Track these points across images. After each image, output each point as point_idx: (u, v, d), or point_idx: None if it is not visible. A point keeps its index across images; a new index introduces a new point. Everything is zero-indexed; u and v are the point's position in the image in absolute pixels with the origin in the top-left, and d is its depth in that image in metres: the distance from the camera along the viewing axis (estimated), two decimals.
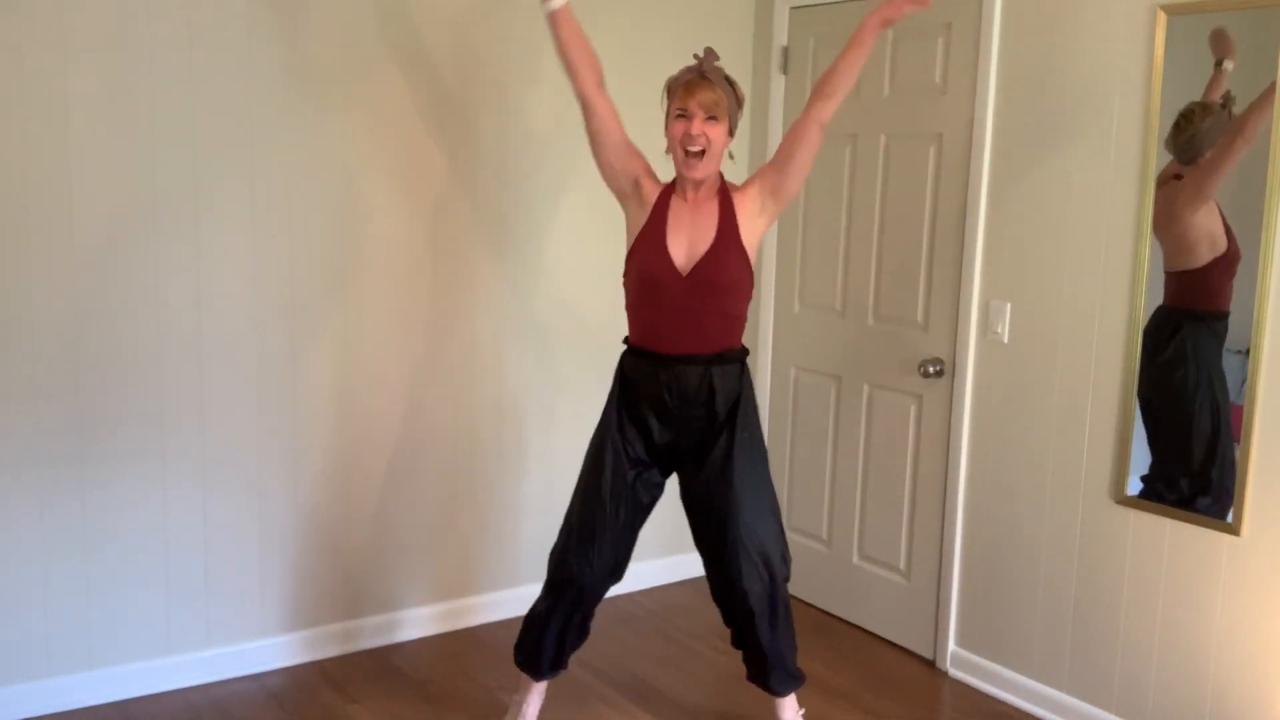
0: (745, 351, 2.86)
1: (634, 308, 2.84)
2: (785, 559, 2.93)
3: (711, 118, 2.68)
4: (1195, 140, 2.83)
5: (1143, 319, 2.99)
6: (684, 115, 2.69)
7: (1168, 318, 2.97)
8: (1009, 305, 3.33)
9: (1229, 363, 2.85)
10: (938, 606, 3.61)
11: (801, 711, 3.12)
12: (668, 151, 2.77)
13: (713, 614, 4.00)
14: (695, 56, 2.74)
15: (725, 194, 2.80)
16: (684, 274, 2.72)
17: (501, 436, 3.82)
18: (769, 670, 3.00)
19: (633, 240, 2.81)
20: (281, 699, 3.28)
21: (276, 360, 3.35)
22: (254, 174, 3.23)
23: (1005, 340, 3.34)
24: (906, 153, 3.61)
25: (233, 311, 3.26)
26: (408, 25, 3.43)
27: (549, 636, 2.97)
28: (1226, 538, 2.85)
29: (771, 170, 2.79)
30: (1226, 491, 2.84)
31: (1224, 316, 2.85)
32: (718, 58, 2.75)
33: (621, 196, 2.86)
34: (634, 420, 2.85)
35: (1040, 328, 3.25)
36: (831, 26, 3.84)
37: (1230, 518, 2.84)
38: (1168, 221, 2.91)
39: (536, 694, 3.08)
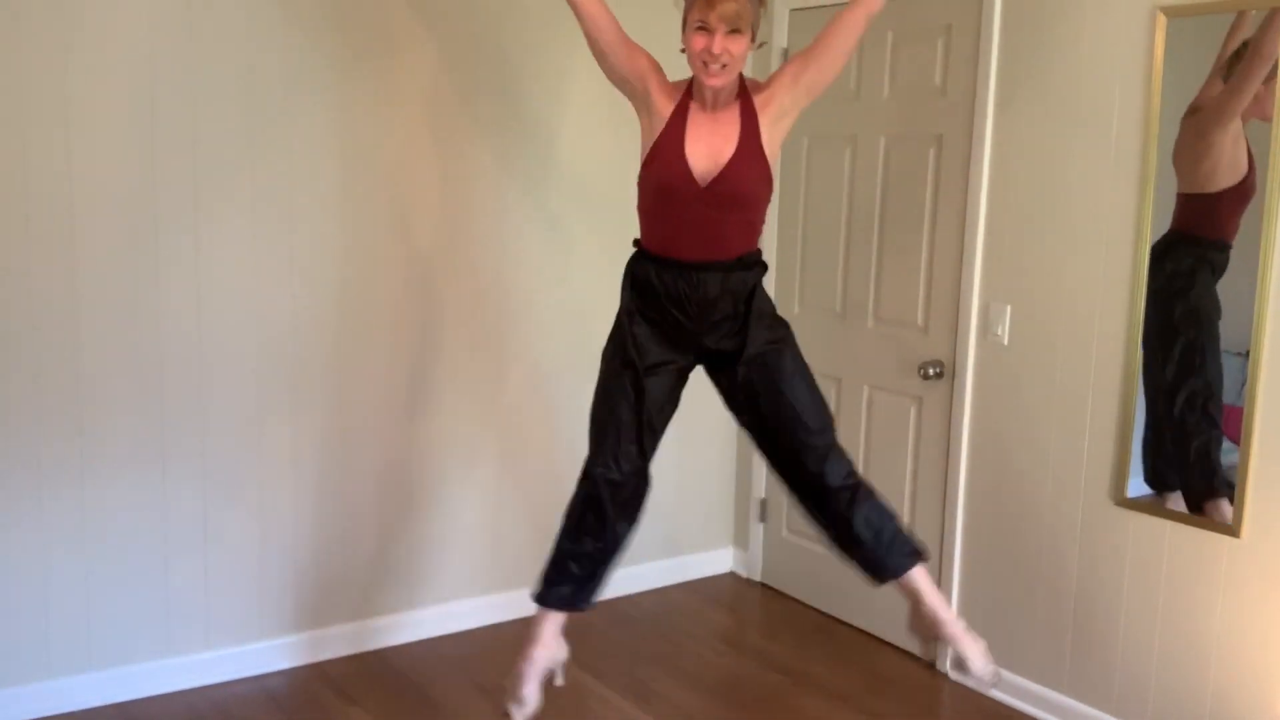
0: (760, 253, 2.77)
1: (648, 214, 2.74)
2: (849, 470, 2.78)
3: (734, 30, 2.53)
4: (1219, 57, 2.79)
5: (1143, 320, 2.99)
6: (704, 28, 2.53)
7: (1173, 243, 2.95)
8: (1009, 307, 3.33)
9: (1229, 364, 2.85)
10: None
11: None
12: (683, 51, 2.63)
13: (713, 616, 4.02)
14: None
15: (747, 98, 2.67)
16: (703, 185, 2.61)
17: (500, 437, 3.82)
18: (903, 538, 2.77)
19: (649, 147, 2.68)
20: (282, 701, 3.28)
21: (277, 360, 3.35)
22: (256, 170, 3.23)
23: (1005, 342, 3.34)
24: (906, 154, 3.61)
25: (233, 311, 3.26)
26: None
27: (580, 555, 2.76)
28: (1226, 539, 2.85)
29: (806, 63, 2.66)
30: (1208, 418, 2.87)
31: (1226, 248, 2.84)
32: None
33: (632, 99, 2.74)
34: (649, 320, 2.74)
35: (1040, 329, 3.25)
36: None
37: (1230, 520, 2.84)
38: (1192, 142, 2.86)
39: (552, 636, 2.82)
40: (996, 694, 3.41)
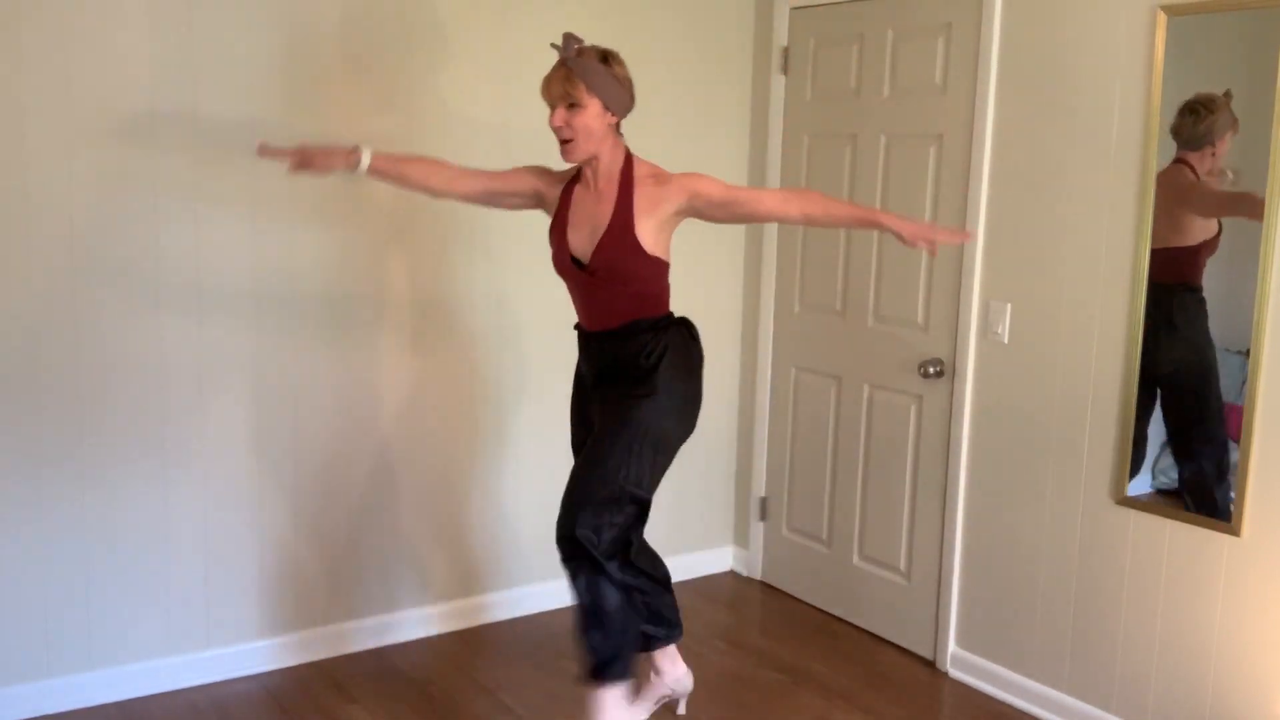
0: (666, 318, 2.81)
1: (568, 290, 2.91)
2: (596, 528, 2.70)
3: (572, 105, 2.64)
4: (1211, 130, 2.82)
5: (1143, 319, 2.99)
6: (550, 107, 2.69)
7: (1162, 293, 2.98)
8: (1009, 306, 3.33)
9: (1229, 363, 2.85)
10: (938, 607, 3.61)
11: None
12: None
13: (713, 614, 4.03)
14: (553, 46, 2.69)
15: (627, 180, 2.74)
16: (584, 264, 2.74)
17: (500, 437, 3.82)
18: (593, 649, 2.78)
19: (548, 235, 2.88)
20: (281, 699, 3.28)
21: (276, 361, 3.35)
22: (255, 173, 3.23)
23: (1005, 341, 3.34)
24: (907, 153, 3.61)
25: (233, 310, 3.26)
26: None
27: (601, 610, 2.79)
28: (1226, 538, 2.85)
29: (709, 202, 2.73)
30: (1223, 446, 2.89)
31: (1200, 289, 2.91)
32: (578, 41, 2.68)
33: (546, 208, 2.90)
34: (581, 384, 2.96)
35: (1041, 328, 3.25)
36: (832, 26, 3.84)
37: (1230, 518, 2.84)
38: (1175, 205, 2.91)
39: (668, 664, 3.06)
40: (996, 692, 3.41)
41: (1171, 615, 2.98)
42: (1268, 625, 2.79)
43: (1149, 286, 2.98)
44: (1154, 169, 2.93)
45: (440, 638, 3.72)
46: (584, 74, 2.63)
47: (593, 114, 2.65)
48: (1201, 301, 2.89)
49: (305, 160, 2.78)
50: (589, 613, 2.74)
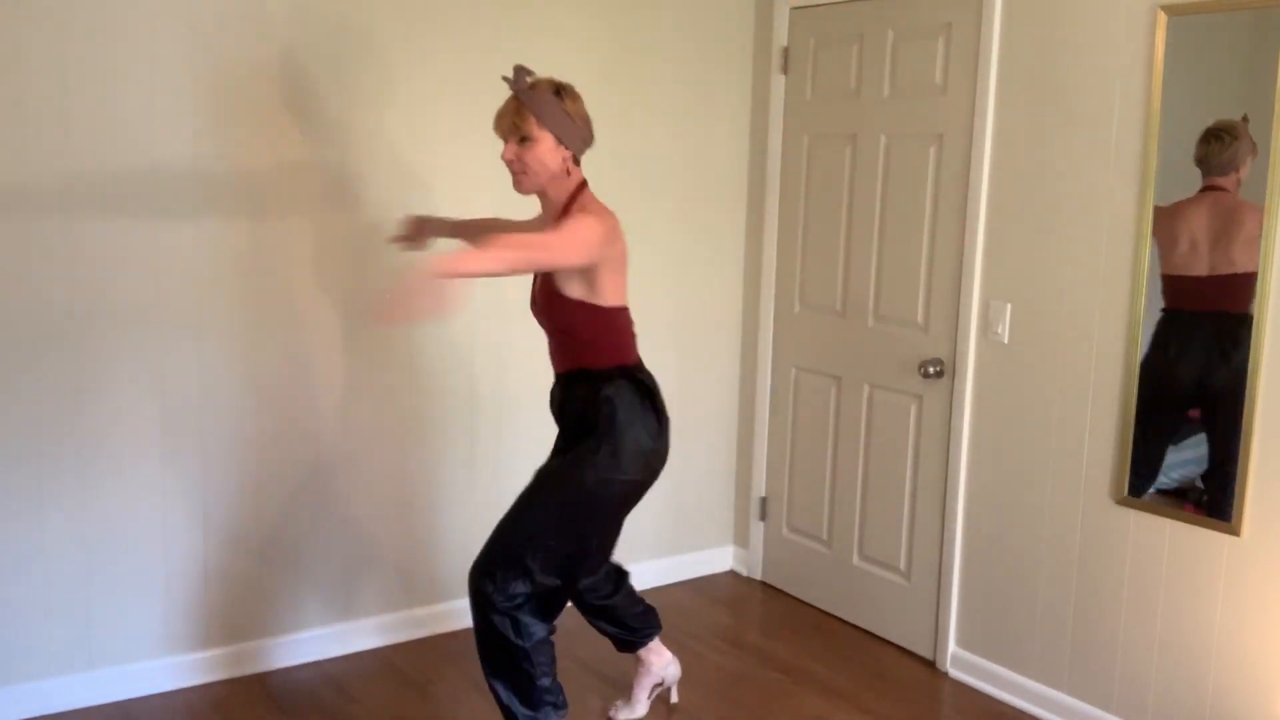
0: (610, 370, 2.76)
1: None
2: (493, 578, 2.70)
3: (523, 139, 2.61)
4: (1236, 155, 2.80)
5: (1143, 319, 2.99)
6: (503, 140, 2.67)
7: (1182, 320, 2.96)
8: (1009, 306, 3.33)
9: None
10: (938, 607, 3.61)
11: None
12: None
13: (713, 614, 4.02)
14: (504, 79, 2.64)
15: (564, 219, 2.67)
16: (536, 308, 2.81)
17: (499, 432, 3.81)
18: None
19: None
20: (282, 699, 3.28)
21: (276, 361, 3.35)
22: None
23: (1005, 341, 3.34)
24: (907, 153, 3.61)
25: (233, 309, 3.26)
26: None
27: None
28: (1226, 538, 2.85)
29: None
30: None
31: (1221, 315, 2.88)
32: (528, 73, 2.64)
33: None
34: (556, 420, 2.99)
35: (1040, 328, 3.25)
36: (832, 26, 3.84)
37: (1230, 518, 2.84)
38: (1225, 229, 2.85)
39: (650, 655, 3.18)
40: (996, 692, 3.41)
41: (1171, 615, 2.98)
42: (1268, 625, 2.79)
43: (1197, 314, 2.94)
44: (1154, 168, 2.93)
45: (440, 638, 3.72)
46: (535, 108, 2.59)
47: (545, 148, 2.62)
48: (1249, 328, 2.80)
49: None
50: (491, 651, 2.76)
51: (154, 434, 3.18)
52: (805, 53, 3.95)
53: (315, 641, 3.52)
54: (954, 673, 3.56)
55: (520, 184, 2.69)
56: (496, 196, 3.67)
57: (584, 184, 2.73)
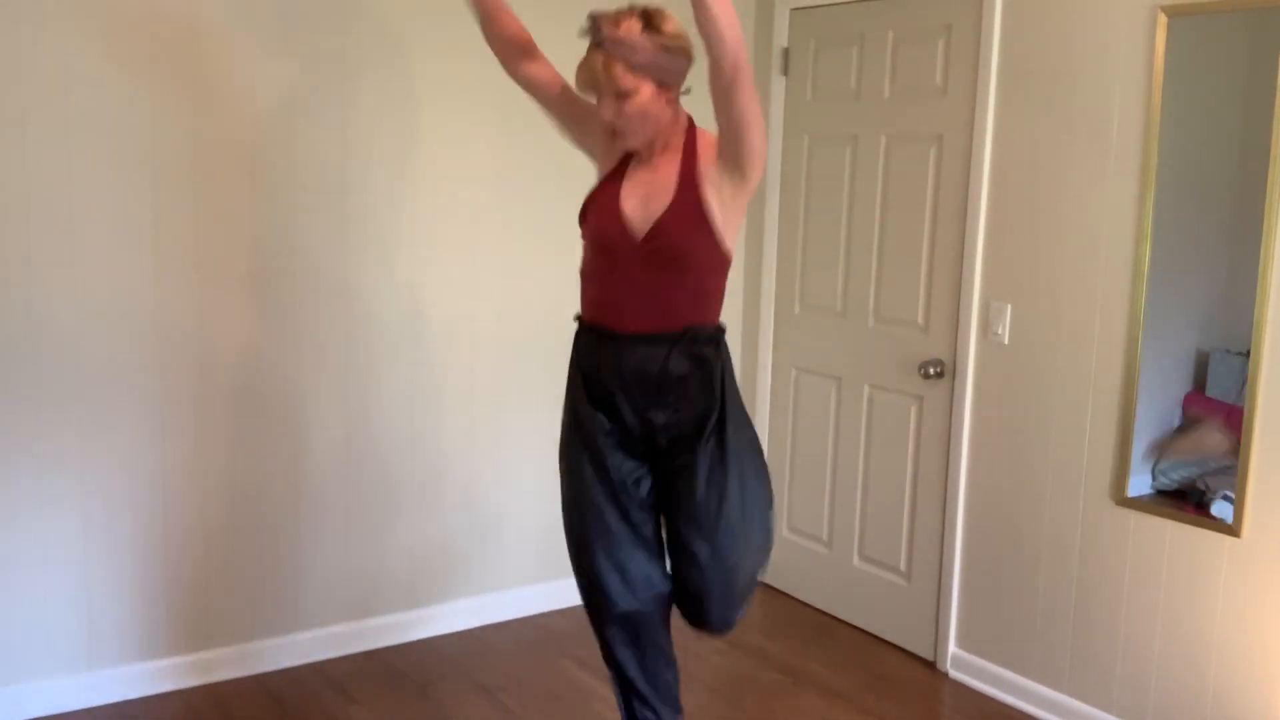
0: (719, 330, 2.42)
1: (587, 276, 2.46)
2: (741, 610, 2.60)
3: (618, 93, 2.24)
4: None
5: (1143, 319, 2.99)
6: (595, 97, 2.31)
7: None
8: (1009, 306, 3.33)
9: (1228, 364, 2.86)
10: (938, 607, 3.61)
11: None
12: None
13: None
14: (582, 34, 2.25)
15: (691, 146, 2.36)
16: (638, 239, 2.32)
17: (501, 428, 3.82)
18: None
19: (586, 197, 2.45)
20: (282, 700, 3.27)
21: (276, 360, 3.35)
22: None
23: (1005, 341, 3.34)
24: (907, 154, 3.61)
25: (233, 309, 3.26)
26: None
27: (626, 685, 2.60)
28: (1227, 538, 2.85)
29: (720, 142, 2.35)
30: None
31: None
32: (608, 19, 2.23)
33: (591, 154, 2.52)
34: (599, 405, 2.42)
35: (1040, 329, 3.25)
36: (832, 28, 3.84)
37: (1231, 518, 2.84)
38: None
39: None
40: (996, 693, 3.41)
41: (1171, 615, 2.98)
42: (1268, 625, 2.79)
43: None
44: (1154, 169, 2.93)
45: (442, 639, 3.72)
46: (624, 54, 2.21)
47: (646, 97, 2.25)
48: None
49: None
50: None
51: (155, 433, 3.18)
52: (805, 54, 3.96)
53: (315, 642, 3.52)
54: (954, 673, 3.55)
55: (627, 138, 2.32)
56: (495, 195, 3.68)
57: (692, 123, 2.40)
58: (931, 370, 3.53)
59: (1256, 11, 2.72)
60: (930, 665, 3.64)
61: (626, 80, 2.22)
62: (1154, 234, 2.95)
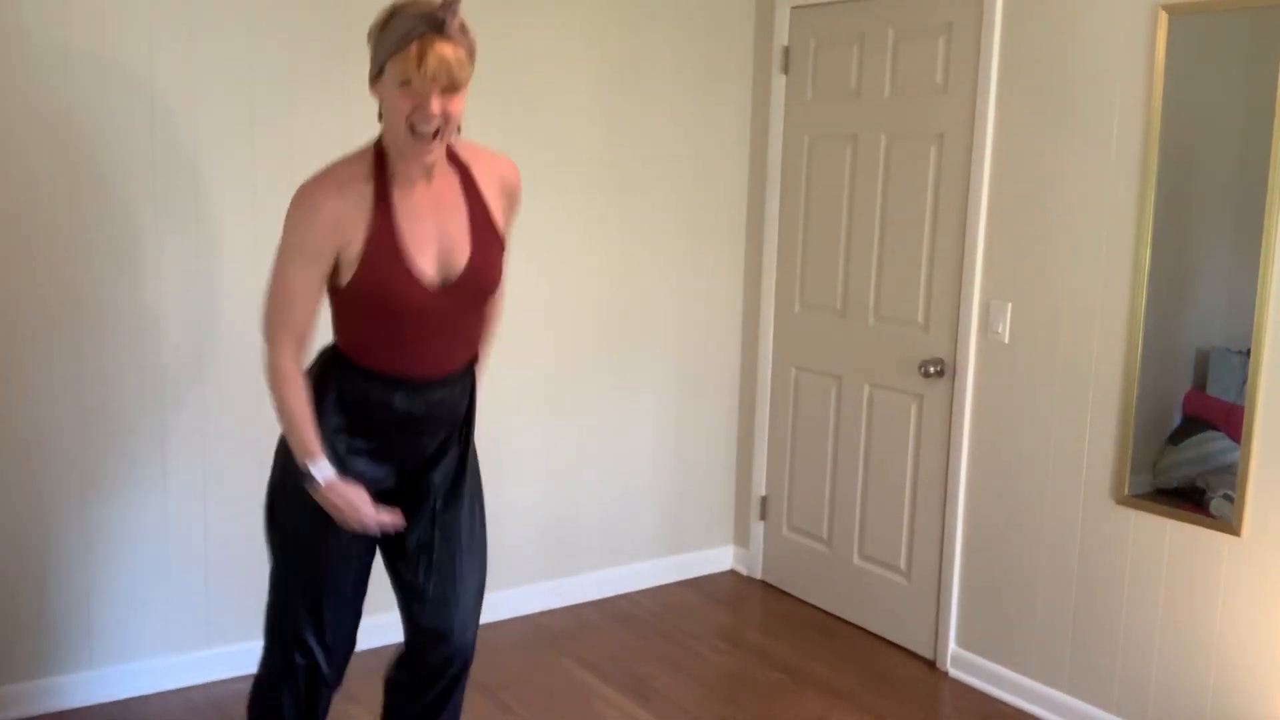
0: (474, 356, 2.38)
1: (362, 336, 2.17)
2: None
3: (456, 87, 1.99)
4: None
5: (1143, 317, 2.99)
6: (410, 84, 1.98)
7: None
8: (1009, 305, 3.33)
9: (1229, 362, 2.85)
10: (938, 606, 3.61)
11: None
12: (381, 119, 2.08)
13: (713, 614, 4.03)
14: (436, 13, 1.97)
15: (457, 162, 2.18)
16: (444, 288, 2.13)
17: (500, 429, 3.82)
18: None
19: (354, 263, 2.07)
20: None
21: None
22: (254, 156, 3.23)
23: (1006, 340, 3.34)
24: (907, 153, 3.61)
25: (233, 309, 3.26)
26: None
27: None
28: (1227, 538, 2.85)
29: (512, 207, 2.31)
30: None
31: None
32: (456, 7, 1.98)
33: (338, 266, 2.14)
34: (356, 452, 2.24)
35: (1040, 328, 3.25)
36: (832, 26, 3.84)
37: (1230, 518, 2.84)
38: None
39: None
40: (996, 692, 3.41)
41: (1171, 615, 2.98)
42: (1268, 625, 2.79)
43: None
44: (1155, 168, 2.93)
45: None
46: (469, 46, 2.03)
47: (464, 97, 2.06)
48: None
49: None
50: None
51: (157, 433, 3.18)
52: (806, 52, 3.95)
53: None
54: (954, 672, 3.56)
55: (434, 149, 2.05)
56: None
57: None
58: (932, 369, 3.53)
59: (1257, 11, 2.72)
60: (930, 664, 3.64)
61: (465, 76, 2.02)
62: (1154, 233, 2.95)
